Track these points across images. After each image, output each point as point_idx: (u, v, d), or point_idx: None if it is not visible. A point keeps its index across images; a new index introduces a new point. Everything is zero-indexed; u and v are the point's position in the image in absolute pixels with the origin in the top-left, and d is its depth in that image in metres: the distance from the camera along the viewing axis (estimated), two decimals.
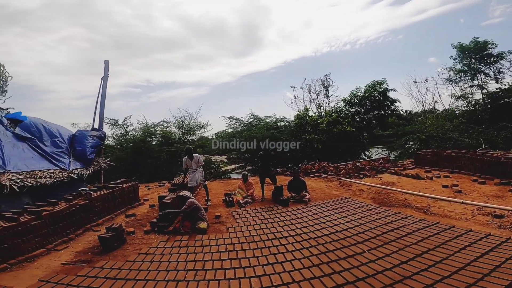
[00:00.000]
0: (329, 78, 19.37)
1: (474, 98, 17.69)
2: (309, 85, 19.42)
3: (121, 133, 16.05)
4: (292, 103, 20.65)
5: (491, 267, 3.00)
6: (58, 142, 7.86)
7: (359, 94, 19.93)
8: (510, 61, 16.22)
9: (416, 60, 51.79)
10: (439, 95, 19.95)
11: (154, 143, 15.79)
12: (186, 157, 7.25)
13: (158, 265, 3.78)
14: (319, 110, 19.11)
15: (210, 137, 18.37)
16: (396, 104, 19.80)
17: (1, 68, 15.09)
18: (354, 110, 19.80)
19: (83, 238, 5.29)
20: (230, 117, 16.60)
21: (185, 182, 7.55)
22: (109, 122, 15.68)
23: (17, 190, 5.78)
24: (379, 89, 19.29)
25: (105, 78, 9.76)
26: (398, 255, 3.55)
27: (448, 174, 8.73)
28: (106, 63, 9.98)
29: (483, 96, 17.16)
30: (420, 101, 19.29)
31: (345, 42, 63.71)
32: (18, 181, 5.89)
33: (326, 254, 3.76)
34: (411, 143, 15.55)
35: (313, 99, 19.39)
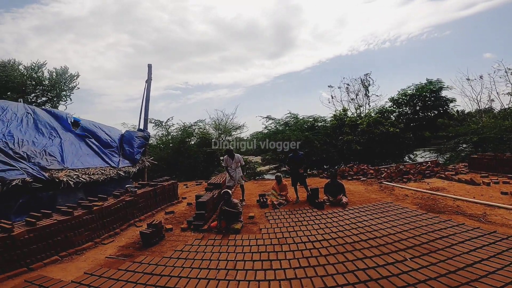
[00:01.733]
0: (369, 77, 18.44)
1: None
2: (347, 84, 18.69)
3: (163, 133, 17.02)
4: (329, 103, 20.07)
5: None
6: (109, 141, 8.60)
7: (408, 92, 18.51)
8: None
9: (469, 56, 47.06)
10: (497, 93, 17.56)
11: (192, 143, 16.45)
12: (226, 156, 7.48)
13: (191, 262, 3.89)
14: (358, 110, 18.25)
15: (245, 138, 18.65)
16: (452, 105, 18.00)
17: (74, 78, 17.05)
18: (401, 110, 18.46)
19: (127, 233, 5.61)
20: (267, 117, 16.64)
21: (222, 181, 7.77)
22: (154, 123, 16.72)
23: (73, 186, 6.40)
24: (432, 88, 17.69)
25: (148, 81, 10.43)
26: (445, 264, 3.22)
27: (508, 180, 7.74)
28: (149, 67, 10.64)
29: None
30: (474, 100, 17.32)
31: (384, 39, 60.32)
32: (74, 177, 6.53)
33: (363, 260, 3.54)
34: (464, 145, 14.02)
35: (351, 99, 18.59)
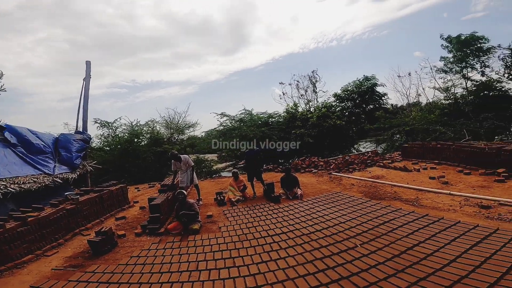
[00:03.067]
0: (316, 74, 19.54)
1: (456, 92, 18.18)
2: (297, 81, 19.54)
3: (109, 134, 15.67)
4: (281, 99, 20.83)
5: (481, 259, 3.07)
6: (42, 147, 7.62)
7: (349, 88, 20.17)
8: (499, 57, 16.52)
9: (402, 55, 53.01)
10: (423, 89, 20.39)
11: (142, 144, 15.48)
12: (173, 160, 7.16)
13: (151, 267, 3.73)
14: (307, 105, 19.26)
15: (199, 136, 18.20)
16: (384, 99, 20.18)
17: None
18: (344, 104, 20.04)
19: (72, 243, 5.19)
20: (221, 114, 16.42)
21: (175, 183, 7.47)
22: (100, 124, 15.27)
23: (1, 197, 5.57)
24: (368, 84, 19.58)
25: (87, 79, 9.49)
26: (390, 249, 3.61)
27: (435, 166, 8.94)
28: (88, 64, 9.72)
29: (467, 88, 17.64)
30: (404, 94, 19.73)
31: (332, 38, 64.40)
32: (1, 187, 5.67)
33: (320, 250, 3.79)
34: (397, 136, 15.86)
35: (301, 95, 19.53)
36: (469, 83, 17.50)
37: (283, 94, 19.74)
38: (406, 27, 57.79)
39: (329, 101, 19.62)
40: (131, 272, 3.64)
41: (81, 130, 9.42)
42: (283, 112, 17.61)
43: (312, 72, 19.53)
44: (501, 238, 3.58)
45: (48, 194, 6.61)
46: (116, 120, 15.69)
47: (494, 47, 16.74)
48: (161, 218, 5.60)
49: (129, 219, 6.53)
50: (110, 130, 15.57)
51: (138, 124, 15.79)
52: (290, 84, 19.77)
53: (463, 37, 17.00)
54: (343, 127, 15.98)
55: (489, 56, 16.89)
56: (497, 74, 16.69)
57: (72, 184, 8.10)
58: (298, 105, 18.73)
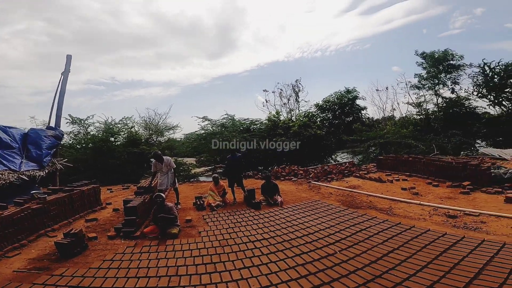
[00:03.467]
0: (299, 83, 20.02)
1: (428, 108, 19.37)
2: (281, 89, 19.88)
3: (79, 131, 14.90)
4: (264, 106, 20.95)
5: (450, 265, 3.27)
6: (9, 141, 7.06)
7: (331, 100, 20.83)
8: (469, 75, 17.67)
9: (381, 69, 55.24)
10: (398, 103, 21.58)
11: (118, 143, 14.84)
12: (155, 161, 6.92)
13: (126, 271, 3.55)
14: (289, 114, 19.59)
15: (179, 139, 17.80)
16: (363, 112, 21.06)
17: None
18: (324, 115, 20.64)
19: (37, 245, 4.85)
20: (203, 117, 16.16)
21: (153, 185, 7.22)
22: (71, 120, 14.48)
23: None
24: (349, 96, 20.33)
25: (65, 74, 9.01)
26: (367, 255, 3.73)
27: (406, 178, 9.44)
28: (68, 58, 9.26)
29: (438, 105, 18.81)
30: (381, 108, 20.70)
31: (317, 48, 66.08)
32: None
33: (301, 256, 3.82)
34: (373, 148, 16.56)
35: (284, 104, 19.87)
36: (439, 99, 18.73)
37: (266, 101, 20.01)
38: (387, 42, 60.72)
39: (310, 110, 20.13)
40: (104, 276, 3.45)
41: (53, 125, 8.87)
42: (266, 120, 17.76)
43: (296, 81, 20.06)
44: (468, 245, 3.84)
45: (13, 192, 6.12)
46: (89, 117, 14.99)
47: (465, 64, 17.99)
48: (137, 221, 5.37)
49: (101, 221, 6.22)
50: (82, 128, 14.81)
51: (113, 123, 15.13)
52: (273, 92, 20.10)
53: (436, 54, 18.15)
54: (323, 137, 16.41)
55: (460, 73, 18.12)
56: (466, 92, 17.99)
57: (39, 182, 7.56)
58: (281, 113, 19.03)
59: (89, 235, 5.05)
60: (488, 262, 3.29)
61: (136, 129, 15.96)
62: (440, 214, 5.72)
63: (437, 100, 18.76)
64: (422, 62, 18.84)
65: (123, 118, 15.55)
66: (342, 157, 19.23)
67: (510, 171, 7.58)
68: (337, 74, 60.36)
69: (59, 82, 9.00)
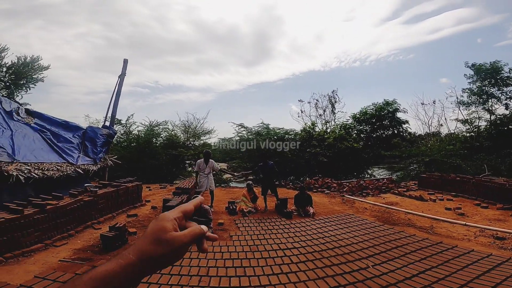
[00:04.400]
0: (336, 94, 19.55)
1: (479, 124, 17.57)
2: (317, 100, 19.59)
3: (124, 131, 16.12)
4: (299, 117, 20.72)
5: (492, 284, 3.05)
6: (70, 136, 7.94)
7: (369, 111, 19.98)
8: None
9: (427, 80, 51.10)
10: (445, 119, 19.74)
11: (158, 144, 15.79)
12: (202, 160, 7.25)
13: None
14: (325, 126, 19.20)
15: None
16: (405, 126, 19.79)
17: (42, 69, 15.06)
18: (362, 127, 19.85)
19: (83, 235, 5.23)
20: (240, 124, 16.32)
21: (190, 186, 7.57)
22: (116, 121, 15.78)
23: (23, 181, 5.78)
24: (389, 109, 19.32)
25: (122, 76, 9.84)
26: (402, 271, 3.55)
27: (451, 198, 8.73)
28: (125, 62, 10.08)
29: (490, 121, 16.99)
30: (426, 123, 19.18)
31: (355, 58, 64.19)
32: (25, 171, 5.91)
33: (331, 268, 3.74)
34: (414, 165, 15.49)
35: (319, 115, 19.49)
36: (492, 116, 16.94)
37: (301, 112, 19.79)
38: (435, 52, 56.29)
39: (347, 122, 19.49)
40: None
41: (107, 125, 9.77)
42: (300, 130, 17.56)
43: (332, 92, 19.56)
44: None
45: (68, 183, 6.80)
46: (129, 117, 16.11)
47: None
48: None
49: (140, 217, 6.63)
50: (124, 127, 16.00)
51: (157, 124, 16.12)
52: (309, 102, 19.82)
53: (485, 67, 16.47)
54: (360, 151, 15.80)
55: None
56: None
57: (90, 177, 8.32)
58: (316, 124, 18.72)
59: (130, 230, 5.37)
60: None
61: (176, 131, 16.83)
62: (487, 235, 5.26)
63: (490, 117, 16.96)
64: (472, 75, 17.19)
65: (163, 121, 16.57)
66: (380, 173, 18.26)
67: None
68: (377, 85, 57.75)
69: (116, 84, 9.84)
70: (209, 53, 72.48)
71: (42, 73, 15.25)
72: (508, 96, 16.52)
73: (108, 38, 57.40)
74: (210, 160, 7.22)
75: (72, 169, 7.06)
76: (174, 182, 13.89)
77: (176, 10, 64.71)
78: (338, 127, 18.04)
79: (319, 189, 10.71)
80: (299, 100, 20.31)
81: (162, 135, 16.18)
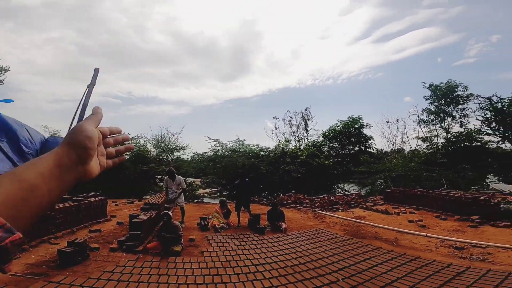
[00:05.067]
0: (309, 112, 20.31)
1: (437, 142, 19.02)
2: (291, 117, 20.18)
3: None
4: (273, 133, 21.09)
5: None
6: (29, 143, 7.33)
7: (337, 129, 20.89)
8: (478, 103, 17.13)
9: (393, 99, 54.73)
10: (407, 136, 21.27)
11: (127, 158, 15.12)
12: (167, 177, 7.08)
13: (126, 284, 3.55)
14: (298, 143, 19.70)
15: (186, 159, 17.98)
16: (370, 142, 20.92)
17: (1, 72, 13.87)
18: (332, 144, 20.63)
19: (38, 250, 4.89)
20: (215, 140, 16.27)
21: (159, 202, 7.28)
22: None
23: None
24: (355, 126, 20.37)
25: (91, 86, 9.31)
26: (370, 284, 3.67)
27: (414, 211, 9.25)
28: (96, 71, 9.61)
29: (447, 139, 18.42)
30: (390, 141, 20.39)
31: (329, 76, 67.43)
32: None
33: (303, 282, 3.76)
34: (381, 181, 16.31)
35: (293, 132, 20.03)
36: (449, 135, 18.42)
37: (276, 129, 20.21)
38: (400, 71, 61.04)
39: (318, 140, 20.19)
40: (103, 287, 3.45)
41: None
42: (275, 147, 17.82)
43: (306, 109, 20.33)
44: (473, 274, 3.82)
45: None
46: None
47: (473, 95, 17.54)
48: (141, 236, 5.40)
49: (104, 232, 6.25)
50: None
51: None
52: (283, 120, 20.35)
53: (441, 87, 17.95)
54: (330, 167, 16.34)
55: (469, 105, 17.62)
56: (475, 126, 17.52)
57: None
58: (290, 141, 19.14)
59: (92, 246, 5.07)
60: None
61: (148, 146, 16.26)
62: (446, 246, 5.62)
63: (446, 134, 18.50)
64: (430, 95, 18.65)
65: (134, 136, 15.99)
66: (349, 188, 18.94)
67: None
68: (349, 103, 60.93)
69: (84, 94, 9.34)
70: (186, 65, 72.52)
71: (1, 74, 14.22)
72: (462, 114, 18.15)
73: (81, 45, 55.36)
74: (176, 176, 7.04)
75: None
76: (144, 197, 13.27)
77: (155, 20, 64.43)
78: (310, 144, 18.61)
79: (292, 205, 10.82)
80: (273, 117, 20.81)
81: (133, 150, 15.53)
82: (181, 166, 16.00)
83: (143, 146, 15.86)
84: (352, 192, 15.75)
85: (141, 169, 14.13)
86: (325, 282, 3.78)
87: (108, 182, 13.22)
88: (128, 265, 4.29)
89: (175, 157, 16.81)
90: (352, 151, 20.55)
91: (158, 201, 7.66)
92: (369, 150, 20.34)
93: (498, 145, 17.37)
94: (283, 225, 6.94)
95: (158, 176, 15.53)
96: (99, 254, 4.81)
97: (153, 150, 16.32)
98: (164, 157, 16.23)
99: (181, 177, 7.31)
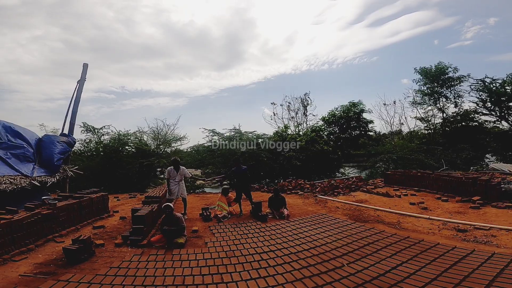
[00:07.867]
0: (308, 97, 20.11)
1: (434, 122, 19.06)
2: (289, 102, 19.99)
3: (91, 140, 15.16)
4: (271, 119, 20.95)
5: (460, 277, 3.24)
6: (23, 146, 7.24)
7: (337, 113, 20.81)
8: (470, 85, 17.30)
9: (390, 82, 54.63)
10: (405, 118, 21.21)
11: (127, 153, 15.03)
12: (172, 167, 7.01)
13: (133, 279, 3.55)
14: (297, 128, 19.59)
15: (185, 150, 17.90)
16: (370, 126, 20.93)
17: None
18: (331, 129, 20.59)
19: (44, 249, 4.89)
20: (211, 130, 16.17)
21: (161, 194, 7.27)
22: (85, 128, 14.72)
23: None
24: (355, 110, 20.30)
25: (81, 82, 9.25)
26: (375, 268, 3.68)
27: (415, 193, 9.30)
28: (85, 66, 9.52)
29: (443, 119, 18.50)
30: (388, 122, 20.38)
31: (324, 61, 66.55)
32: None
33: (308, 269, 3.78)
34: (381, 163, 16.35)
35: (292, 117, 19.89)
36: (445, 115, 18.46)
37: (274, 114, 20.05)
38: (396, 54, 60.59)
39: (317, 124, 20.08)
40: (110, 284, 3.46)
41: (66, 132, 9.08)
42: (273, 134, 17.70)
43: (305, 95, 20.14)
44: (478, 258, 3.81)
45: (24, 196, 6.24)
46: (104, 126, 15.25)
47: (464, 76, 17.59)
48: (144, 230, 5.40)
49: (108, 228, 6.25)
50: (95, 136, 15.07)
51: (127, 134, 15.37)
52: (281, 105, 20.17)
53: (430, 69, 17.90)
54: (330, 152, 16.33)
55: (462, 86, 17.73)
56: (470, 106, 17.60)
57: (48, 188, 7.69)
58: (289, 127, 19.02)
59: (97, 242, 5.08)
60: (498, 274, 3.27)
61: (145, 139, 16.14)
62: (449, 228, 5.64)
63: (442, 115, 18.51)
64: (420, 79, 18.67)
65: (136, 131, 15.88)
66: (349, 172, 19.03)
67: None
68: (345, 87, 60.46)
69: (75, 90, 9.19)
70: (179, 57, 71.01)
71: None
72: (456, 95, 18.15)
73: (68, 41, 53.88)
74: (180, 167, 6.99)
75: (27, 182, 6.47)
76: (145, 190, 13.30)
77: (143, 12, 62.55)
78: (309, 130, 18.52)
79: (293, 191, 10.87)
80: (271, 103, 20.63)
81: (130, 144, 15.41)
82: (182, 157, 15.95)
83: (140, 140, 15.73)
84: (352, 175, 15.83)
85: (142, 164, 14.10)
86: (330, 267, 3.80)
87: (109, 178, 13.24)
88: (133, 259, 4.30)
89: (173, 148, 16.75)
90: (352, 135, 20.55)
91: (159, 194, 7.67)
92: (368, 133, 20.35)
93: (495, 124, 17.42)
94: (285, 212, 6.97)
95: (159, 169, 15.51)
96: (104, 250, 4.82)
97: (151, 142, 16.22)
98: (163, 149, 16.15)
99: (184, 167, 7.27)
